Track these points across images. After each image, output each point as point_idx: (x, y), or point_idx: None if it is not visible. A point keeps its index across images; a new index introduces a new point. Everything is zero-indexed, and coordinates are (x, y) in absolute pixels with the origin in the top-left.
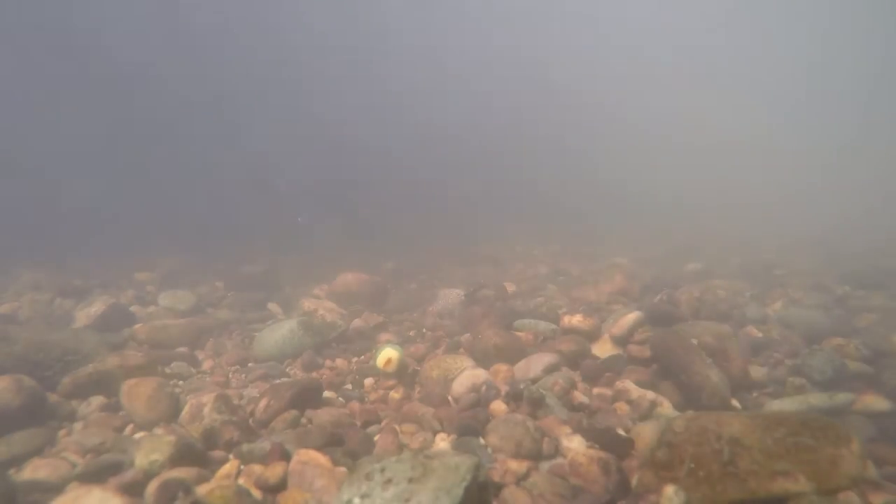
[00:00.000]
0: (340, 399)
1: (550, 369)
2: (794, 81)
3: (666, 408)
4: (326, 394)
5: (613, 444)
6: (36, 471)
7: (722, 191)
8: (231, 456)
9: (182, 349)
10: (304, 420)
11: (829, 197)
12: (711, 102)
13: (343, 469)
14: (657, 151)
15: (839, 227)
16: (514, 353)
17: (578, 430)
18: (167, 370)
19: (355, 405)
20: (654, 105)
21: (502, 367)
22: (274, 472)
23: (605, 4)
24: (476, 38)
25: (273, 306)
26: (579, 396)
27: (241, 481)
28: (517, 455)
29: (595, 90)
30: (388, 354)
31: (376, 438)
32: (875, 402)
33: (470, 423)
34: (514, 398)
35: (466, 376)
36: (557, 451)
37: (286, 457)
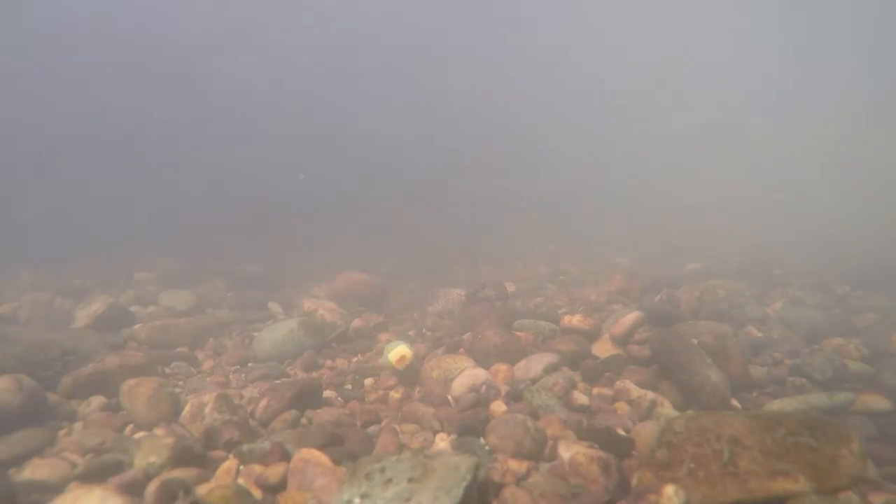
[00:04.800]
0: (340, 399)
1: (550, 369)
2: (796, 77)
3: (666, 408)
4: (326, 394)
5: (613, 444)
6: (36, 471)
7: (722, 190)
8: (231, 456)
9: (182, 349)
10: (304, 420)
11: (829, 196)
12: (713, 101)
13: (343, 468)
14: (657, 151)
15: (839, 226)
16: (514, 353)
17: (578, 430)
18: (167, 370)
19: (355, 405)
20: (654, 104)
21: (502, 367)
22: (274, 471)
23: (606, 6)
24: (477, 39)
25: (273, 306)
26: (579, 396)
27: (241, 481)
28: (517, 455)
29: (594, 90)
30: (401, 351)
31: (376, 438)
32: (875, 401)
33: (470, 423)
34: (513, 398)
35: (466, 376)
36: (557, 451)
37: (286, 457)
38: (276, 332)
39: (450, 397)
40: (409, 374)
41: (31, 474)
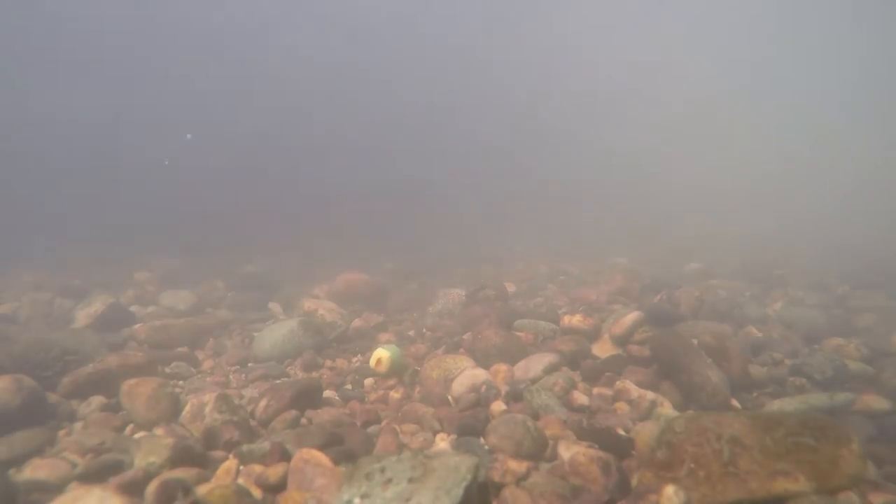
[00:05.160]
0: (340, 399)
1: (550, 369)
2: (796, 77)
3: (666, 408)
4: (326, 394)
5: (613, 444)
6: (36, 471)
7: (723, 190)
8: (231, 456)
9: (182, 349)
10: (304, 420)
11: (829, 195)
12: (715, 99)
13: (343, 468)
14: (657, 150)
15: (839, 225)
16: (514, 353)
17: (578, 430)
18: (167, 370)
19: (355, 405)
20: (654, 103)
21: (502, 367)
22: (274, 471)
23: (606, 5)
24: (477, 39)
25: (273, 306)
26: (579, 396)
27: (241, 481)
28: (517, 455)
29: (594, 90)
30: (378, 355)
31: (376, 438)
32: (875, 402)
33: (470, 423)
34: (513, 398)
35: (466, 376)
36: (557, 450)
37: (286, 457)
38: (276, 332)
39: (450, 397)
40: (408, 375)
41: (31, 474)
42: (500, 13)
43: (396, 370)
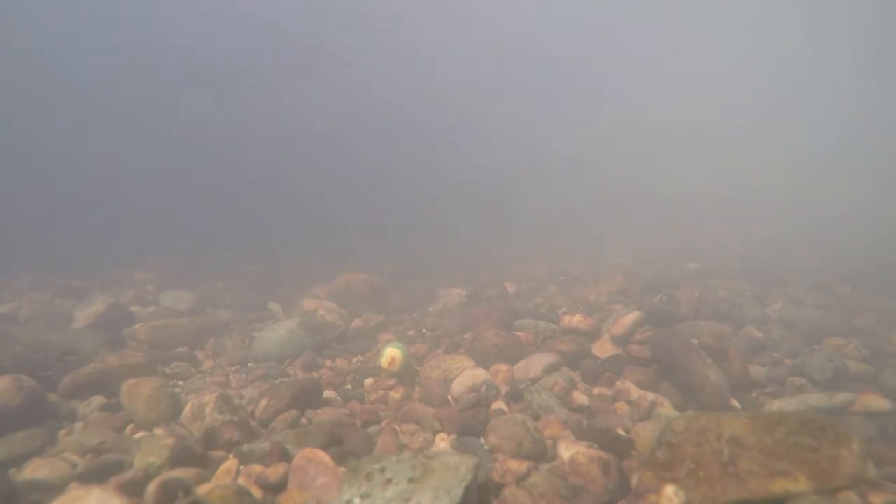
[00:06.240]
0: (340, 399)
1: (550, 369)
2: (791, 75)
3: (666, 408)
4: (326, 394)
5: (613, 444)
6: (36, 471)
7: (722, 189)
8: (231, 456)
9: (182, 349)
10: (304, 420)
11: (828, 195)
12: (712, 98)
13: (344, 468)
14: (656, 150)
15: (839, 225)
16: (514, 353)
17: (578, 430)
18: (167, 370)
19: (355, 405)
20: (653, 102)
21: (502, 367)
22: (274, 471)
23: (603, 3)
24: (476, 39)
25: (273, 306)
26: (579, 397)
27: (241, 481)
28: (517, 455)
29: (593, 87)
30: (391, 353)
31: (376, 438)
32: (875, 402)
33: (470, 423)
34: (513, 398)
35: (466, 376)
36: (557, 451)
37: (286, 457)
38: (276, 332)
39: (450, 397)
40: (408, 374)
41: (31, 474)
42: (510, 14)
43: (407, 368)
